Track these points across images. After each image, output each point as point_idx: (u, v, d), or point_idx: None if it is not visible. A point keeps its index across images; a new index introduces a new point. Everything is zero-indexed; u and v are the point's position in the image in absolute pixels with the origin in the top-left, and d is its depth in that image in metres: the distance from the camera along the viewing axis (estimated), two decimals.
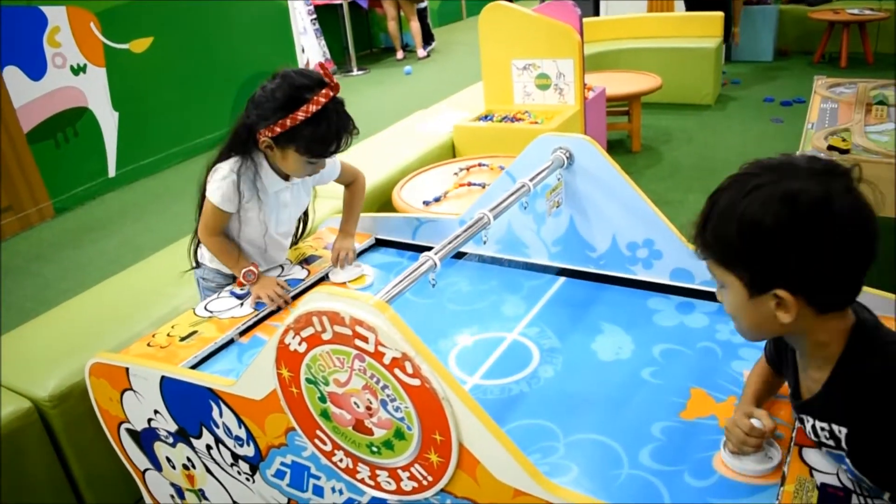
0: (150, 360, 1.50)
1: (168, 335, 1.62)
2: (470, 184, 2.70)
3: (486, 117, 3.46)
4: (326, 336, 1.07)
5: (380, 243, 2.03)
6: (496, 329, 1.60)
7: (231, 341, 1.62)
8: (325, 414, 1.16)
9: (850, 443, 0.92)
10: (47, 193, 4.12)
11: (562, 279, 1.76)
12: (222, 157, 1.70)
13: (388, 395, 1.06)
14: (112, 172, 4.52)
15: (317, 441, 1.21)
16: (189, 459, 1.49)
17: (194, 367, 1.52)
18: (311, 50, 6.89)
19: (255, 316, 1.67)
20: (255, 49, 5.39)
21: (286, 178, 1.74)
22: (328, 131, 1.58)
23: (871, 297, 1.30)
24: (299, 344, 1.11)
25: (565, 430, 1.26)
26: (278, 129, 1.57)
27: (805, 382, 1.00)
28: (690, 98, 5.24)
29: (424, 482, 1.10)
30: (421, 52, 7.84)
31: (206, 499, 1.54)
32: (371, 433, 1.12)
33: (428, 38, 8.05)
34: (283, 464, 1.31)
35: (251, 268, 1.73)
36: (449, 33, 9.20)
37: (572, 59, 3.34)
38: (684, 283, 1.61)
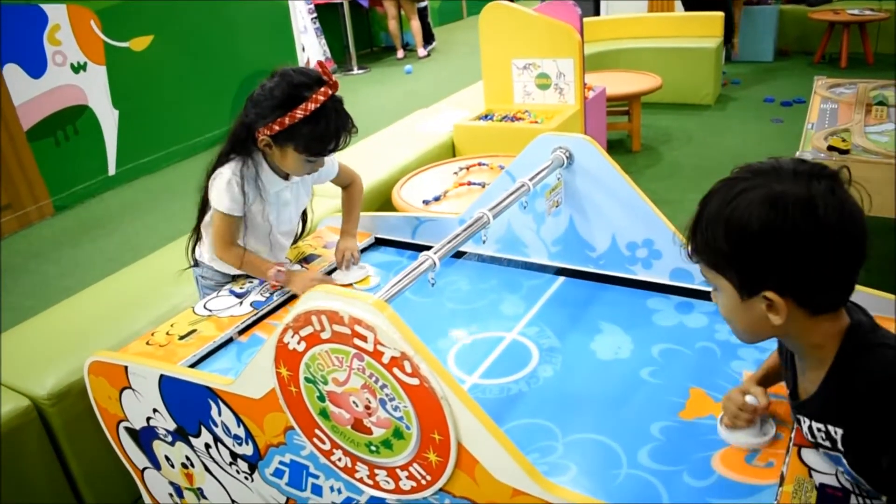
0: (149, 358, 1.50)
1: (167, 334, 1.62)
2: (470, 183, 2.70)
3: (486, 117, 3.46)
4: (325, 335, 1.07)
5: (379, 242, 2.03)
6: (495, 328, 1.60)
7: (230, 340, 1.62)
8: (323, 413, 1.16)
9: (845, 444, 0.92)
10: (47, 191, 4.13)
11: (561, 279, 1.76)
12: (221, 160, 1.69)
13: (386, 395, 1.06)
14: (112, 170, 4.52)
15: (315, 440, 1.21)
16: (188, 458, 1.49)
17: (193, 365, 1.52)
18: (311, 49, 6.89)
19: (255, 314, 1.67)
20: (255, 47, 5.39)
21: (286, 177, 1.74)
22: (327, 129, 1.58)
23: (870, 297, 1.30)
24: (298, 343, 1.11)
25: (564, 430, 1.26)
26: (277, 128, 1.57)
27: (802, 383, 1.00)
28: (690, 98, 5.24)
29: (423, 481, 1.10)
30: (421, 52, 7.84)
31: (204, 497, 1.54)
32: (370, 432, 1.12)
33: (428, 38, 8.05)
34: (281, 463, 1.31)
35: (278, 267, 1.72)
36: (449, 32, 9.20)
37: (572, 58, 3.34)
38: (684, 283, 1.61)
